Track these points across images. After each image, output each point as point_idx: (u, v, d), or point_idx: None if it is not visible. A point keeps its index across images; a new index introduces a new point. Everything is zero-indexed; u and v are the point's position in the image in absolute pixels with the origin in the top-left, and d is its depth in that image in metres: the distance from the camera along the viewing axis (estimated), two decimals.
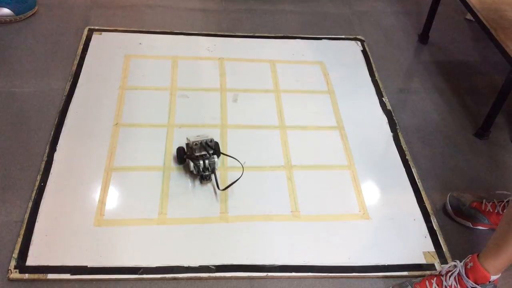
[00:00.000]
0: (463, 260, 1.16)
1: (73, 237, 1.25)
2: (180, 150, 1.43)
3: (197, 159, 1.37)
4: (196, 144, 1.38)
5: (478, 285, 1.12)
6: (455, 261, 1.18)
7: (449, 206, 1.42)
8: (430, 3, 2.02)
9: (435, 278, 1.18)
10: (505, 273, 1.29)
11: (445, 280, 1.15)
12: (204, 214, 1.34)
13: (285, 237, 1.31)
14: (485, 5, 1.73)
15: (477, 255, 1.14)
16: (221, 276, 1.22)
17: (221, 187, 1.38)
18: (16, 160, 1.43)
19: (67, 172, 1.40)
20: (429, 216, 1.41)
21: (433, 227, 1.38)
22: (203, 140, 1.38)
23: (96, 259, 1.21)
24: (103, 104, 1.62)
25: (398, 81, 1.89)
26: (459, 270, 1.14)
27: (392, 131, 1.65)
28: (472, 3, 1.74)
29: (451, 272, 1.16)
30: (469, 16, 2.19)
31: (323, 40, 2.03)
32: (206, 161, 1.37)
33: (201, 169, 1.38)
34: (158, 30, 1.96)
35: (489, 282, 1.12)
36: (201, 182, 1.40)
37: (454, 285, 1.14)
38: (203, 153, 1.38)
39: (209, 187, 1.41)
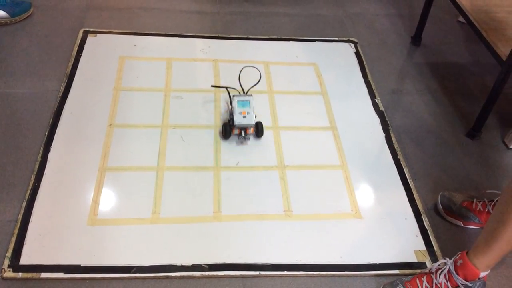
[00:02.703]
0: (453, 258, 1.17)
1: (66, 237, 1.26)
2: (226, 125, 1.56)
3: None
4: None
5: (467, 281, 1.13)
6: (445, 259, 1.19)
7: (440, 206, 1.43)
8: (422, 6, 2.04)
9: (425, 276, 1.19)
10: (495, 272, 1.30)
11: (435, 278, 1.17)
12: (198, 213, 1.35)
13: (278, 236, 1.32)
14: (476, 7, 1.75)
15: (466, 252, 1.15)
16: (214, 275, 1.22)
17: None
18: (11, 160, 1.43)
19: (61, 172, 1.41)
20: (421, 215, 1.42)
21: (424, 226, 1.39)
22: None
23: (89, 258, 1.22)
24: (97, 105, 1.63)
25: (390, 82, 1.91)
26: (449, 267, 1.16)
27: (384, 132, 1.67)
28: (463, 5, 1.77)
29: (441, 270, 1.17)
30: (461, 18, 2.21)
31: (317, 42, 2.04)
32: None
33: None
34: (152, 32, 1.98)
35: (479, 278, 1.13)
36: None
37: (445, 283, 1.15)
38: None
39: (203, 185, 1.42)
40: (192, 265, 1.23)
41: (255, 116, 1.55)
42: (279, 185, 1.45)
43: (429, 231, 1.38)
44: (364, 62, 1.96)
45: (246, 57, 1.90)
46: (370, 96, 1.80)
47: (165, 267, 1.22)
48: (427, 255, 1.32)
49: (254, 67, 1.75)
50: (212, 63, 1.86)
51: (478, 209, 1.38)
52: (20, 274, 1.17)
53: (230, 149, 1.54)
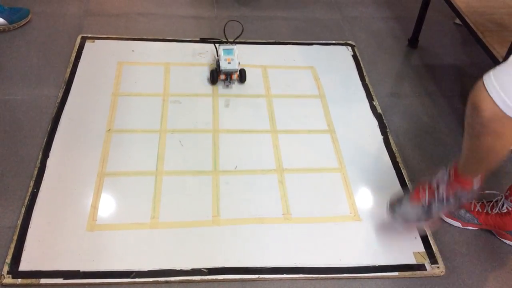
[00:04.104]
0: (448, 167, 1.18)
1: (65, 242, 1.26)
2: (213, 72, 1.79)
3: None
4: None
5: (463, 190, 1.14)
6: (442, 169, 1.19)
7: None
8: (419, 8, 2.05)
9: (426, 186, 1.20)
10: (495, 274, 1.30)
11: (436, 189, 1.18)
12: (196, 217, 1.35)
13: (277, 239, 1.32)
14: (473, 9, 1.76)
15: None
16: (213, 279, 1.23)
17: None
18: (9, 166, 1.44)
19: (60, 177, 1.41)
20: None
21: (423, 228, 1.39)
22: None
23: (88, 264, 1.22)
24: (95, 110, 1.63)
25: (388, 85, 1.91)
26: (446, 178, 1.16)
27: (382, 134, 1.67)
28: (460, 7, 1.77)
29: (440, 180, 1.18)
30: (457, 20, 2.22)
31: (314, 46, 2.05)
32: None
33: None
34: (150, 37, 1.99)
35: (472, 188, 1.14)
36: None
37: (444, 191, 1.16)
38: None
39: (201, 189, 1.42)
40: (192, 269, 1.23)
41: (239, 63, 1.75)
42: (277, 188, 1.45)
43: (428, 232, 1.38)
44: (362, 65, 1.97)
45: (244, 61, 1.90)
46: (368, 99, 1.81)
47: (164, 271, 1.22)
48: (426, 256, 1.32)
49: (237, 21, 1.99)
50: (210, 68, 1.86)
51: (476, 210, 1.38)
52: (19, 280, 1.17)
53: (229, 153, 1.54)
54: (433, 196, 1.17)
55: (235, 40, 1.88)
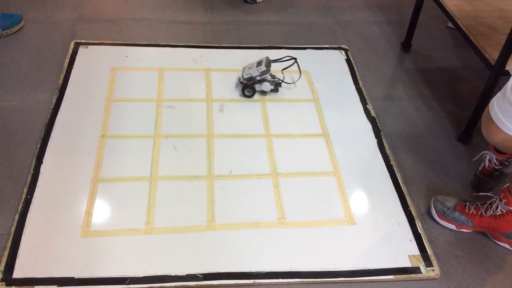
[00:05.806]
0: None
1: (60, 249, 1.25)
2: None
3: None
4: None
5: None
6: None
7: (433, 210, 1.44)
8: (411, 12, 2.06)
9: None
10: (492, 275, 1.31)
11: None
12: (191, 222, 1.35)
13: (272, 244, 1.32)
14: (465, 13, 1.77)
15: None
16: (209, 285, 1.22)
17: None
18: (3, 173, 1.43)
19: (54, 184, 1.40)
20: (414, 220, 1.43)
21: (417, 230, 1.40)
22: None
23: (83, 270, 1.21)
24: (89, 116, 1.63)
25: (381, 88, 1.92)
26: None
27: (376, 138, 1.68)
28: (452, 11, 1.79)
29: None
30: (450, 24, 2.23)
31: (308, 50, 2.06)
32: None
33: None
34: (144, 43, 1.98)
35: None
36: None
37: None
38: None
39: (196, 194, 1.42)
40: (187, 275, 1.23)
41: (264, 73, 1.74)
42: (272, 192, 1.45)
43: (422, 235, 1.38)
44: (355, 69, 1.98)
45: (237, 66, 1.91)
46: (362, 103, 1.81)
47: (159, 277, 1.22)
48: (421, 259, 1.32)
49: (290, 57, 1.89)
50: (204, 72, 1.87)
51: (471, 212, 1.39)
52: None
53: (223, 158, 1.54)
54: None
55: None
